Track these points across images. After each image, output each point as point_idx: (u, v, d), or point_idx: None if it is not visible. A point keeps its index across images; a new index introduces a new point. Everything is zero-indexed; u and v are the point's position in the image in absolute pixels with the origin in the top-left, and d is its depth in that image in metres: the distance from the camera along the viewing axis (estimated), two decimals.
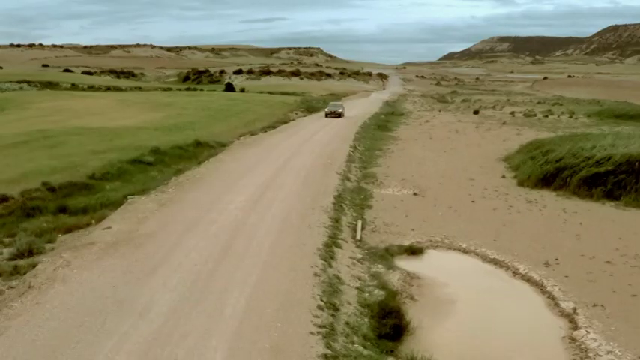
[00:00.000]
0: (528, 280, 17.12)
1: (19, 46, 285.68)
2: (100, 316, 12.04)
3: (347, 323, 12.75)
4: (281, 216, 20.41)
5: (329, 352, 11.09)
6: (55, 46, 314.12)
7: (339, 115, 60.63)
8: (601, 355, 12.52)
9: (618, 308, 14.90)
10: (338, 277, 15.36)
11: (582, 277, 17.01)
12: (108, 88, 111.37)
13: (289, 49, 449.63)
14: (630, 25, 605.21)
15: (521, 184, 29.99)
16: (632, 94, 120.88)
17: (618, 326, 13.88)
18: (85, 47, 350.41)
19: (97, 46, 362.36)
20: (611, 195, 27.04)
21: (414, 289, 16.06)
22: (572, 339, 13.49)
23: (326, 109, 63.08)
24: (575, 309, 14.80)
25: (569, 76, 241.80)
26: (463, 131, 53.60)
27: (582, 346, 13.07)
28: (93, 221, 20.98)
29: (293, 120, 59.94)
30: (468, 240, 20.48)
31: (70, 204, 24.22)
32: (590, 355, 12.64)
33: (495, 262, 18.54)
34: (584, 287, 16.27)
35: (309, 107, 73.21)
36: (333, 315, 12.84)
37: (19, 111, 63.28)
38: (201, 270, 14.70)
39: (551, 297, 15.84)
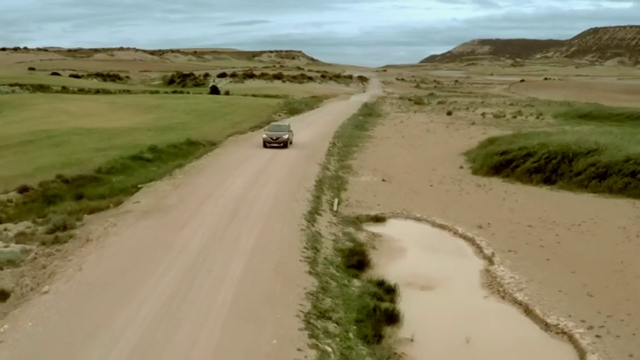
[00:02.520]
0: (464, 237, 22.54)
1: (4, 49, 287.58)
2: (151, 253, 17.12)
3: (325, 258, 18.02)
4: (273, 193, 25.72)
5: (312, 270, 16.32)
6: (39, 49, 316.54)
7: (285, 144, 41.13)
8: (505, 279, 17.87)
9: (526, 253, 20.28)
10: (319, 233, 20.67)
11: (505, 235, 22.40)
12: (97, 91, 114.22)
13: (271, 52, 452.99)
14: (610, 27, 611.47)
15: (475, 172, 35.36)
16: (604, 95, 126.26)
17: (523, 263, 19.23)
18: (69, 50, 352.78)
19: (80, 49, 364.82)
20: (549, 180, 32.48)
21: (376, 243, 21.45)
22: (488, 271, 18.90)
23: (264, 134, 42.31)
24: (493, 253, 20.22)
25: (546, 78, 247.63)
26: (434, 130, 58.82)
27: (494, 274, 18.45)
28: (111, 204, 25.55)
29: (277, 121, 64.70)
30: (422, 212, 25.84)
31: (86, 192, 28.76)
32: (498, 279, 18.00)
33: (441, 226, 23.99)
34: (505, 241, 21.65)
35: (292, 109, 78.00)
36: (315, 253, 18.11)
37: (16, 113, 66.24)
38: (218, 226, 19.95)
39: (478, 247, 21.26)
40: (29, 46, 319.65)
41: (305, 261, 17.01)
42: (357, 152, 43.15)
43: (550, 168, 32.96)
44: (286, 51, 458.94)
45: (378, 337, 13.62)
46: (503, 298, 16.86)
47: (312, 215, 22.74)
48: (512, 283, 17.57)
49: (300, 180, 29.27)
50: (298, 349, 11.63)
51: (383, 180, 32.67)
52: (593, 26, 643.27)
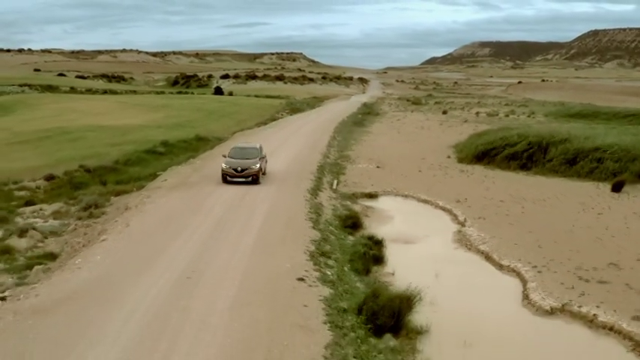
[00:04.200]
0: (443, 209, 26.61)
1: (8, 50, 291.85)
2: (183, 215, 21.15)
3: (325, 220, 22.11)
4: (281, 174, 29.91)
5: (315, 227, 20.44)
6: (43, 50, 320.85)
7: (254, 178, 27.31)
8: (472, 236, 22.00)
9: (493, 220, 24.30)
10: (320, 204, 24.75)
11: (479, 207, 26.39)
12: (105, 92, 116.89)
13: (272, 54, 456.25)
14: (610, 30, 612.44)
15: (460, 161, 39.34)
16: (599, 97, 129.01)
17: (488, 226, 23.25)
18: (73, 52, 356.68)
19: (83, 51, 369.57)
20: (525, 167, 36.42)
21: (368, 212, 25.59)
22: (460, 231, 23.00)
23: (222, 164, 27.81)
24: (465, 219, 24.28)
25: (543, 80, 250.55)
26: (428, 127, 62.65)
27: (464, 233, 22.60)
28: (134, 189, 28.88)
29: (280, 118, 68.72)
30: (409, 191, 29.89)
31: (108, 180, 32.24)
32: (467, 237, 22.12)
33: (425, 201, 28.09)
34: (477, 211, 25.66)
35: (294, 109, 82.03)
36: (317, 216, 22.22)
37: (29, 111, 68.84)
38: (236, 196, 24.15)
39: (454, 215, 25.33)
40: (31, 48, 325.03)
41: (309, 220, 21.13)
42: (355, 145, 47.07)
43: (526, 156, 36.92)
44: (287, 53, 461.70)
45: (367, 271, 17.72)
46: (469, 249, 20.98)
47: (315, 191, 26.78)
48: (478, 239, 21.63)
49: (304, 166, 33.25)
50: (305, 271, 15.67)
51: (377, 167, 36.62)
52: (593, 28, 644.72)
